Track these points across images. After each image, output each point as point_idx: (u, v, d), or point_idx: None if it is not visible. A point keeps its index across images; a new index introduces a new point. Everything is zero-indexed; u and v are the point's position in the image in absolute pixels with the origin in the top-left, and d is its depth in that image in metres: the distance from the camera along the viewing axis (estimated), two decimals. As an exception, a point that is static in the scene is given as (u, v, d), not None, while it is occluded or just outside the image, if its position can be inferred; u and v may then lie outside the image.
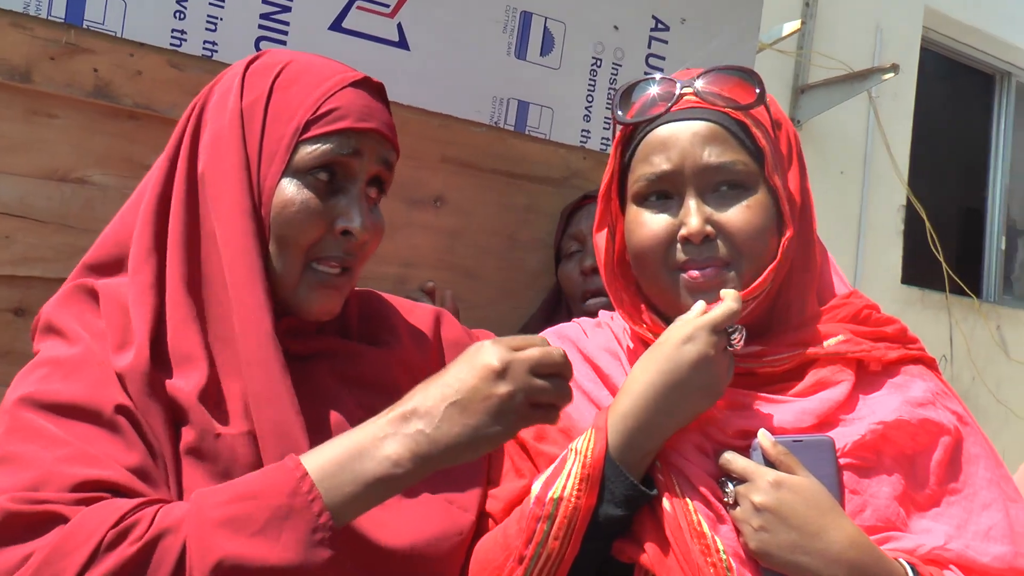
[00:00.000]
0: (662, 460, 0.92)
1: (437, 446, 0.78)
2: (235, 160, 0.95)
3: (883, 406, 0.94)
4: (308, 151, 0.94)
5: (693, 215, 0.94)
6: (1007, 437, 5.09)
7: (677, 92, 0.97)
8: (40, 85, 1.45)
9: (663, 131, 0.97)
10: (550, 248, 1.92)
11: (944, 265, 4.95)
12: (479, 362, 0.81)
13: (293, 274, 0.95)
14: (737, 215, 0.94)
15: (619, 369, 1.03)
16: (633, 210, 0.99)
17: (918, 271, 5.03)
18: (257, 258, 0.93)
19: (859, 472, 0.91)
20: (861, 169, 4.70)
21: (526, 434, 1.00)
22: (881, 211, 4.80)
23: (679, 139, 0.96)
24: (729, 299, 0.92)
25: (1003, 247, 5.75)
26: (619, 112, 1.01)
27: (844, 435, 0.92)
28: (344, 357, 1.02)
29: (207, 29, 1.58)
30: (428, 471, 0.80)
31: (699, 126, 0.96)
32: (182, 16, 1.56)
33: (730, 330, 0.92)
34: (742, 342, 0.92)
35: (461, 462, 0.81)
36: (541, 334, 1.11)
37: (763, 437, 0.89)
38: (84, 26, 1.48)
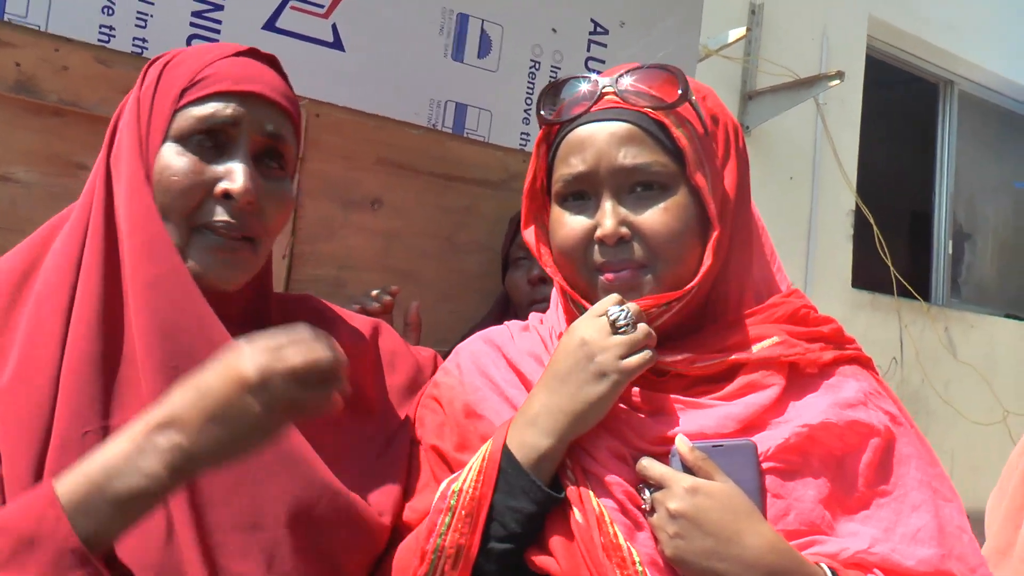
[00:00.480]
0: (574, 465, 0.91)
1: (195, 459, 0.75)
2: (132, 144, 0.94)
3: (810, 409, 0.93)
4: (184, 116, 0.93)
5: (608, 216, 0.94)
6: (955, 437, 5.20)
7: (598, 91, 0.97)
8: (-41, 81, 1.42)
9: (582, 131, 0.97)
10: (489, 251, 1.92)
11: (892, 269, 5.05)
12: (234, 370, 0.76)
13: (181, 242, 0.93)
14: (652, 217, 0.94)
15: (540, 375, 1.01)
16: (555, 210, 0.99)
17: (868, 275, 5.12)
18: (160, 223, 0.91)
19: (783, 475, 0.89)
20: (810, 175, 4.78)
21: (446, 444, 1.00)
22: (830, 216, 4.89)
23: (596, 140, 0.95)
24: (642, 334, 0.90)
25: (950, 251, 5.89)
26: (542, 111, 1.01)
27: (769, 439, 0.91)
28: None
29: (137, 25, 1.56)
30: (187, 480, 0.78)
31: (616, 127, 0.95)
32: (110, 12, 1.54)
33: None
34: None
35: (222, 466, 0.78)
36: (470, 338, 1.11)
37: (681, 443, 0.88)
38: (5, 19, 1.45)
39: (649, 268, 0.94)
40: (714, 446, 0.89)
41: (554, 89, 1.01)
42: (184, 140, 0.93)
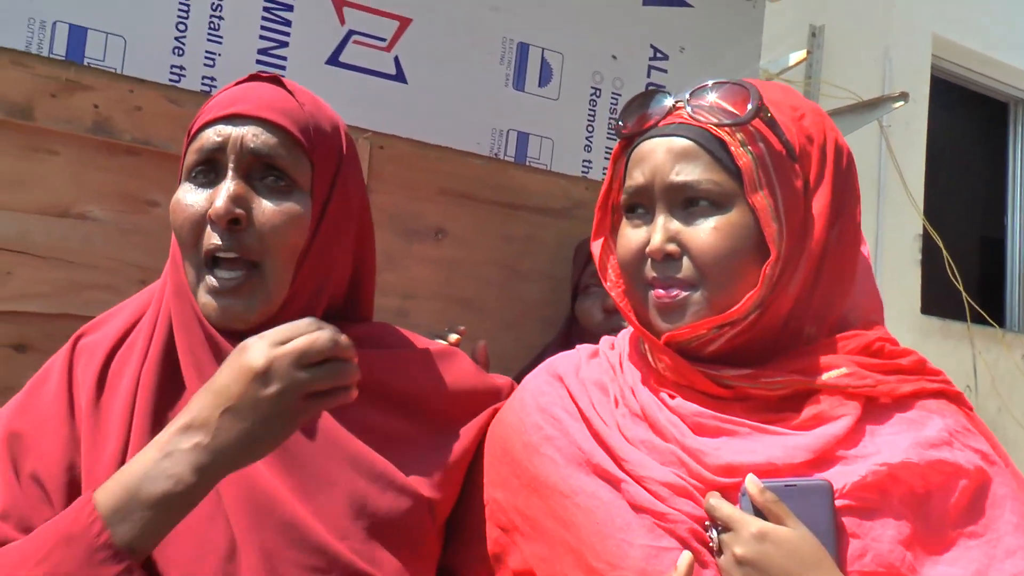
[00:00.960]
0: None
1: (219, 456, 0.78)
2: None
3: (890, 446, 0.87)
4: (188, 153, 0.97)
5: (657, 232, 0.92)
6: (1036, 468, 4.97)
7: (668, 106, 0.96)
8: (41, 122, 1.47)
9: (646, 146, 0.95)
10: (551, 279, 1.91)
11: (964, 294, 4.88)
12: (243, 364, 0.79)
13: (194, 282, 0.95)
14: (701, 235, 0.91)
15: (607, 409, 0.98)
16: (623, 222, 0.99)
17: (938, 301, 4.95)
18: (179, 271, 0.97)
19: (860, 514, 0.84)
20: (875, 199, 4.66)
21: (499, 493, 0.99)
22: (897, 241, 4.76)
23: (655, 155, 0.94)
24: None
25: (1024, 275, 5.68)
26: (620, 122, 1.00)
27: (843, 474, 0.86)
28: None
29: (205, 65, 1.60)
30: (216, 480, 0.80)
31: (675, 142, 0.93)
32: (181, 52, 1.58)
33: None
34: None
35: (248, 465, 0.81)
36: (535, 370, 1.09)
37: (751, 483, 0.84)
38: (85, 63, 1.51)
39: (698, 287, 0.91)
40: (786, 486, 0.83)
41: (633, 102, 0.99)
42: (190, 176, 0.96)
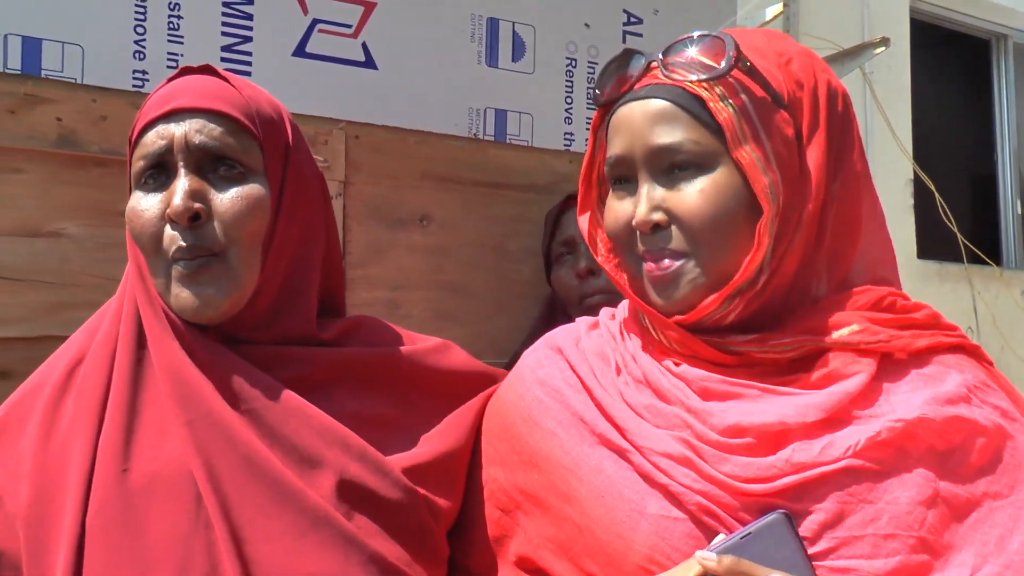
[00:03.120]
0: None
1: None
2: None
3: (906, 403, 0.83)
4: (133, 161, 0.93)
5: (642, 202, 0.87)
6: (1043, 404, 4.97)
7: (640, 68, 0.90)
8: (2, 140, 1.42)
9: (622, 112, 0.90)
10: (540, 257, 1.87)
11: (959, 236, 4.86)
12: None
13: (160, 283, 0.92)
14: (688, 199, 0.86)
15: (608, 378, 0.94)
16: (609, 194, 0.94)
17: (933, 245, 4.93)
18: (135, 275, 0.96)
19: (872, 477, 0.80)
20: (864, 147, 4.63)
21: (500, 472, 0.97)
22: (889, 187, 4.72)
23: (632, 120, 0.89)
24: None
25: (1019, 211, 5.64)
26: (596, 91, 0.95)
27: (856, 432, 0.82)
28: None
29: (168, 67, 1.55)
30: None
31: (651, 104, 0.88)
32: (142, 57, 1.54)
33: None
34: None
35: None
36: (534, 345, 1.06)
37: (702, 558, 0.78)
38: (42, 75, 1.46)
39: (691, 256, 0.87)
40: (742, 538, 0.79)
41: (608, 68, 0.94)
42: (140, 183, 0.93)
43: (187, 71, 0.98)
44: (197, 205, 0.89)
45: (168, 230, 0.90)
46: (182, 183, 0.89)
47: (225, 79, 0.96)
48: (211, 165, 0.92)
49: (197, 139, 0.90)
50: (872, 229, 0.94)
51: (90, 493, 0.86)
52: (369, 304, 1.71)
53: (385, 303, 1.74)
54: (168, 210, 0.89)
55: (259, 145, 0.94)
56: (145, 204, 0.92)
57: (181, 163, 0.90)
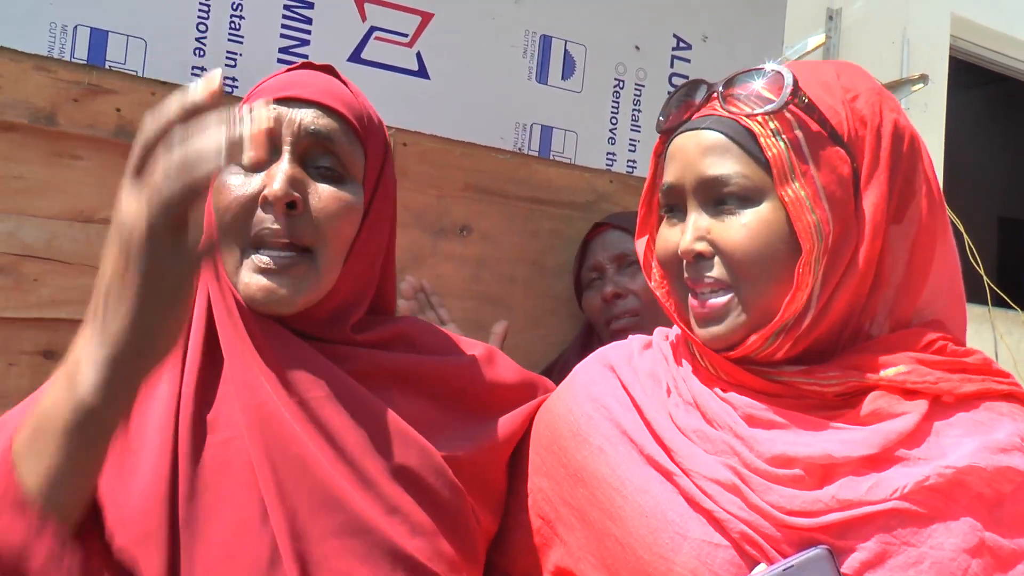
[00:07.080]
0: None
1: (115, 350, 0.66)
2: None
3: (956, 448, 0.83)
4: None
5: (688, 231, 0.89)
6: (1059, 452, 4.91)
7: (702, 98, 0.91)
8: (64, 127, 1.45)
9: (678, 141, 0.92)
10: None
11: (985, 278, 4.83)
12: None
13: (234, 268, 0.90)
14: (731, 232, 0.86)
15: (659, 399, 0.95)
16: (662, 222, 0.96)
17: (958, 284, 4.90)
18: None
19: (918, 521, 0.80)
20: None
21: (545, 482, 0.97)
22: (917, 224, 4.70)
23: (686, 150, 0.90)
24: None
25: (1045, 256, 5.62)
26: (660, 116, 0.96)
27: (904, 475, 0.81)
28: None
29: (227, 65, 1.58)
30: (130, 381, 0.68)
31: (705, 136, 0.89)
32: (202, 53, 1.57)
33: None
34: None
35: (164, 353, 0.69)
36: (586, 359, 1.07)
37: None
38: (106, 67, 1.49)
39: (733, 289, 0.87)
40: (784, 570, 0.79)
41: (675, 94, 0.95)
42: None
43: (308, 66, 0.99)
44: (296, 194, 0.89)
45: (260, 212, 0.90)
46: (284, 168, 0.89)
47: (344, 82, 0.98)
48: (315, 158, 0.92)
49: (311, 126, 0.91)
50: (942, 281, 0.93)
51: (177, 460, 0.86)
52: (405, 310, 1.73)
53: (421, 310, 1.75)
54: (266, 191, 0.88)
55: (363, 151, 0.96)
56: (238, 180, 0.90)
57: (288, 147, 0.90)
